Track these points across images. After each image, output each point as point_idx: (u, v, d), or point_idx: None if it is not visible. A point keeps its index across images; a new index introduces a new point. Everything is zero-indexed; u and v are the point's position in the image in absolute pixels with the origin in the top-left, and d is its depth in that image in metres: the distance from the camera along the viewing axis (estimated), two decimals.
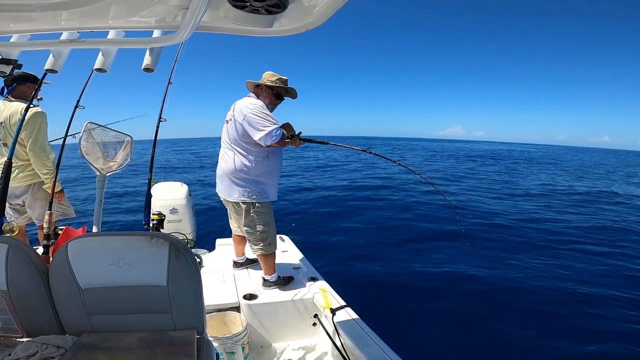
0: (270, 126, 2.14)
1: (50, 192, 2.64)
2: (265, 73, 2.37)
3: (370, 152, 2.55)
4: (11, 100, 2.57)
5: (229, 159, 2.29)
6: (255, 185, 2.26)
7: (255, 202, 2.28)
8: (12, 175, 2.46)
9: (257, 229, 2.31)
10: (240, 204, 2.29)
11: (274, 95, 2.36)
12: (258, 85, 2.37)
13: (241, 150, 2.24)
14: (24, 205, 2.71)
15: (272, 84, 2.32)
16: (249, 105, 2.19)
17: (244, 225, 2.34)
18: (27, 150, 2.49)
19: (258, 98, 2.32)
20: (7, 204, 2.61)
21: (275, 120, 2.20)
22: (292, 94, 2.44)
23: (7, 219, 2.65)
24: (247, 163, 2.23)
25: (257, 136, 2.15)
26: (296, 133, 2.30)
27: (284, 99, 2.44)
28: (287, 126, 2.31)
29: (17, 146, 2.46)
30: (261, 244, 2.34)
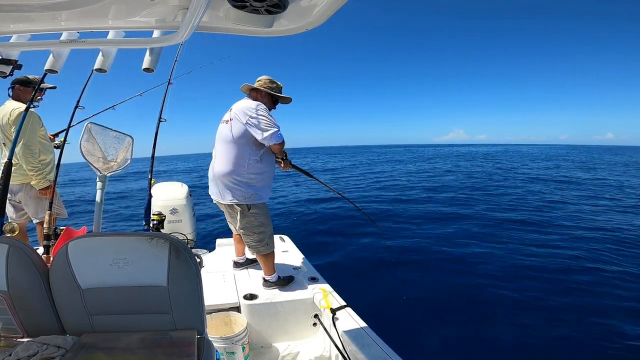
0: (275, 127, 2.15)
1: (44, 190, 2.68)
2: (263, 78, 2.35)
3: (344, 197, 3.04)
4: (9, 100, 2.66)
5: (222, 159, 2.24)
6: (247, 187, 2.22)
7: (249, 204, 2.25)
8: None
9: (254, 231, 2.30)
10: (235, 206, 2.26)
11: (272, 102, 2.39)
12: (256, 90, 2.34)
13: (236, 151, 2.20)
14: (20, 203, 2.80)
15: (272, 92, 2.33)
16: (253, 106, 2.17)
17: (240, 228, 2.31)
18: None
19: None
20: (7, 200, 2.66)
21: (277, 124, 2.20)
22: (287, 101, 2.48)
23: (8, 216, 2.71)
24: (241, 165, 2.19)
25: (261, 136, 2.13)
26: (287, 157, 2.41)
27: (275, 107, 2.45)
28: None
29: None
30: (258, 245, 2.32)
